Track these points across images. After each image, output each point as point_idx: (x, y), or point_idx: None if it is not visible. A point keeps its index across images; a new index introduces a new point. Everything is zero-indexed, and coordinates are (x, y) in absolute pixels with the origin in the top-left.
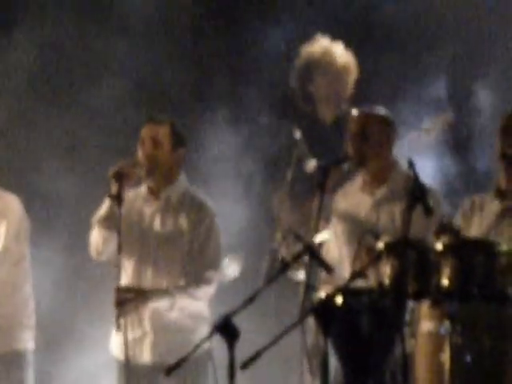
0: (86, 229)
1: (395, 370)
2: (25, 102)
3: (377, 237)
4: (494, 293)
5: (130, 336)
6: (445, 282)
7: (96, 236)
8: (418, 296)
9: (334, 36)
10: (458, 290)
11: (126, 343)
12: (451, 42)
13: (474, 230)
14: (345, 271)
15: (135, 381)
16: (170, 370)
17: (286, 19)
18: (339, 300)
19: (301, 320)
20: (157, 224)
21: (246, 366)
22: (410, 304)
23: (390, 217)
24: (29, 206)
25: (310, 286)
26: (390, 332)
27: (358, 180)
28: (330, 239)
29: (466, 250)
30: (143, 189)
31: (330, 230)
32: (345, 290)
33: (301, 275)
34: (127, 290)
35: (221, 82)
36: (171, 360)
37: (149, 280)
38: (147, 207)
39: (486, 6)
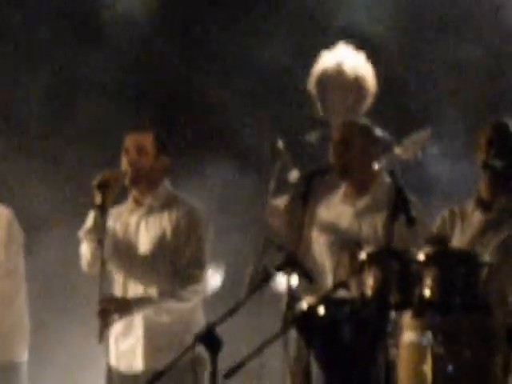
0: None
1: (378, 381)
2: None
3: (359, 247)
4: (476, 304)
5: (123, 345)
6: (427, 292)
7: (85, 249)
8: (401, 307)
9: None
10: (440, 300)
11: (107, 352)
12: None
13: (456, 240)
14: (327, 281)
15: None
16: (153, 380)
17: None
18: (321, 310)
19: (283, 330)
20: (142, 231)
21: (228, 376)
22: (393, 314)
23: (372, 227)
24: None
25: (292, 296)
26: (373, 342)
27: (341, 190)
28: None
29: (448, 261)
30: (128, 201)
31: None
32: (327, 301)
33: (283, 285)
34: (110, 300)
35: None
36: (162, 364)
37: (139, 289)
38: (132, 217)
39: None
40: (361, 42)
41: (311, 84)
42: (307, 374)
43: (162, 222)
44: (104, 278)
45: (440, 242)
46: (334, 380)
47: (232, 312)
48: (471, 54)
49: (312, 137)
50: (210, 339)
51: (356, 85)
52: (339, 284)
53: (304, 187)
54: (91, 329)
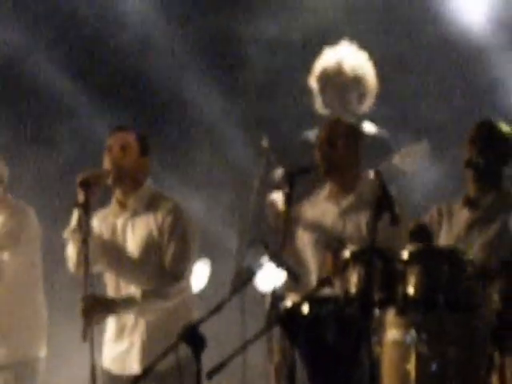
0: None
1: (362, 379)
2: None
3: (343, 245)
4: (460, 302)
5: (118, 348)
6: (411, 290)
7: (71, 250)
8: (384, 305)
9: None
10: (424, 298)
11: (92, 351)
12: None
13: (444, 238)
14: (312, 280)
15: None
16: (136, 381)
17: None
18: (305, 308)
19: (267, 329)
20: (129, 233)
21: (212, 375)
22: (376, 312)
23: (357, 226)
24: None
25: (277, 295)
26: (356, 341)
27: (325, 189)
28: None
29: (432, 259)
30: (112, 204)
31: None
32: (311, 299)
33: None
34: (93, 299)
35: None
36: (160, 367)
37: (132, 290)
38: (118, 219)
39: None
40: None
41: (312, 80)
42: (291, 372)
43: (148, 224)
44: (88, 277)
45: (422, 231)
46: (319, 378)
47: (216, 310)
48: None
49: (311, 135)
50: (193, 338)
51: (356, 84)
52: (323, 282)
53: (287, 186)
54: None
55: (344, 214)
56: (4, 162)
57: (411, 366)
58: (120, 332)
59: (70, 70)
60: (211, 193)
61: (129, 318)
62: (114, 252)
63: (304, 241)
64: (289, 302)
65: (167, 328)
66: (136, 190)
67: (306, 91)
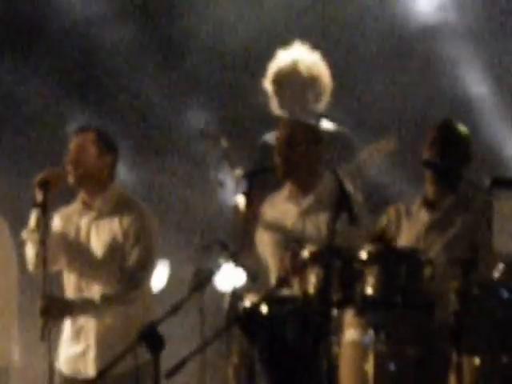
0: None
1: (320, 379)
2: None
3: (301, 245)
4: (418, 301)
5: (73, 350)
6: (369, 290)
7: (29, 249)
8: (343, 305)
9: None
10: (382, 298)
11: (49, 351)
12: None
13: (403, 239)
14: (271, 280)
15: None
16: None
17: None
18: (264, 309)
19: (226, 329)
20: (93, 235)
21: (170, 375)
22: (335, 313)
23: (316, 226)
24: None
25: (236, 295)
26: (315, 340)
27: (285, 189)
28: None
29: (390, 259)
30: (77, 203)
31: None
32: (270, 299)
33: (226, 284)
34: (52, 299)
35: None
36: (116, 370)
37: (93, 292)
38: (82, 219)
39: None
40: None
41: (267, 82)
42: (250, 372)
43: (113, 227)
44: (47, 277)
45: (382, 239)
46: (277, 377)
47: (174, 311)
48: None
49: (270, 137)
50: (152, 338)
51: (311, 84)
52: (282, 282)
53: (246, 186)
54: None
55: (304, 214)
56: None
57: (369, 366)
58: (76, 334)
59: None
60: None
61: (86, 320)
62: (76, 252)
63: (264, 241)
64: (248, 302)
65: (124, 332)
66: (101, 190)
67: (254, 93)
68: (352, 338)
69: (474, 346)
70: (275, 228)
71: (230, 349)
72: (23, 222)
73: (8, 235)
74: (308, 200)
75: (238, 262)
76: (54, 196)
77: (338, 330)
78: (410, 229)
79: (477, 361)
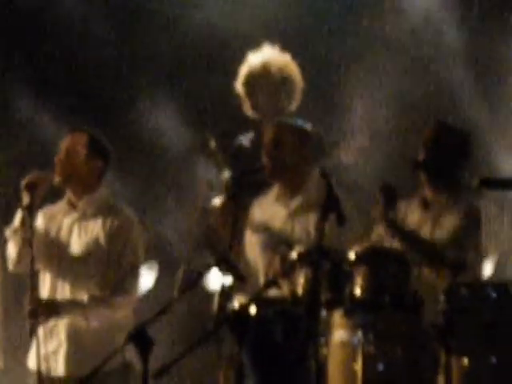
0: None
1: (309, 380)
2: None
3: (290, 247)
4: (406, 302)
5: (46, 348)
6: (357, 291)
7: (11, 247)
8: (331, 305)
9: None
10: (371, 299)
11: (38, 355)
12: None
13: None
14: (260, 281)
15: None
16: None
17: None
18: (253, 310)
19: (215, 330)
20: (75, 235)
21: (158, 375)
22: (323, 313)
23: (305, 227)
24: None
25: (224, 296)
26: (304, 341)
27: (273, 190)
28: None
29: (378, 260)
30: (62, 202)
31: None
32: (258, 300)
33: (215, 285)
34: (40, 301)
35: None
36: (86, 372)
37: (67, 292)
38: (66, 219)
39: None
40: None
41: (239, 85)
42: (239, 373)
43: (96, 229)
44: (34, 278)
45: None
46: (266, 378)
47: (163, 312)
48: None
49: (245, 139)
50: (140, 339)
51: (283, 84)
52: (270, 283)
53: (235, 188)
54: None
55: (292, 215)
56: None
57: (358, 367)
58: (49, 332)
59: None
60: (156, 194)
61: (59, 319)
62: (55, 250)
63: (252, 242)
64: (236, 304)
65: (97, 332)
66: (88, 192)
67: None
68: (341, 339)
69: (463, 346)
70: (264, 229)
71: (218, 350)
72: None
73: None
74: (296, 201)
75: (225, 264)
76: (41, 198)
77: (327, 330)
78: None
79: (465, 361)
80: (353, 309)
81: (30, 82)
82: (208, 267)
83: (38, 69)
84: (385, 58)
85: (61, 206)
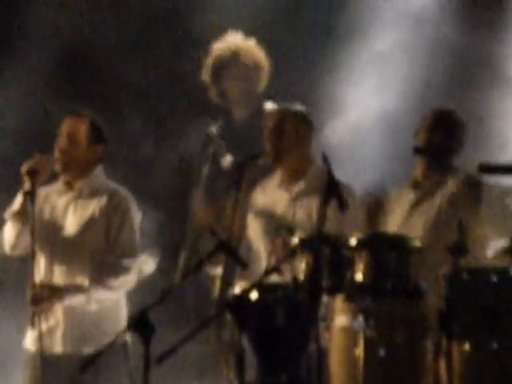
0: None
1: (310, 365)
2: None
3: (292, 232)
4: (407, 287)
5: (43, 327)
6: (358, 276)
7: (9, 230)
8: (333, 291)
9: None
10: (372, 284)
11: (40, 336)
12: None
13: (392, 220)
14: (262, 267)
15: (49, 372)
16: (84, 366)
17: None
18: (254, 295)
19: (216, 315)
20: (70, 214)
21: (161, 360)
22: (325, 299)
23: (307, 212)
24: None
25: (226, 282)
26: (305, 327)
27: (276, 176)
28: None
29: (379, 245)
30: (58, 183)
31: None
32: (260, 286)
33: (217, 270)
34: (42, 287)
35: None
36: (84, 350)
37: (62, 274)
38: (61, 199)
39: None
40: None
41: (206, 74)
42: (240, 358)
43: (91, 207)
44: (35, 265)
45: None
46: (267, 364)
47: (165, 297)
48: None
49: (213, 128)
50: (142, 324)
51: (254, 69)
52: (272, 269)
53: (237, 173)
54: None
55: (295, 200)
56: None
57: (359, 352)
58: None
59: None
60: (157, 179)
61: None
62: (50, 231)
63: (254, 227)
64: (238, 289)
65: (92, 313)
66: (84, 175)
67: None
68: (342, 324)
69: (464, 331)
70: (266, 214)
71: (220, 335)
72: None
73: None
74: (299, 186)
75: (227, 249)
76: (42, 183)
77: (328, 316)
78: (396, 211)
79: (467, 346)
80: (354, 294)
81: None
82: (209, 252)
83: None
84: (373, 39)
85: (56, 186)
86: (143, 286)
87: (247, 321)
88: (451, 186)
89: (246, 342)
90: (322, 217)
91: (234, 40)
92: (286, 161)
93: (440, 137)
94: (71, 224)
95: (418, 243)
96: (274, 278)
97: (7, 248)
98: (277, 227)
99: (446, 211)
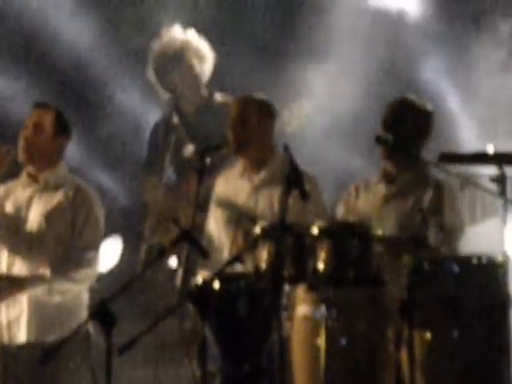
0: None
1: (272, 354)
2: None
3: (254, 222)
4: (369, 277)
5: (4, 317)
6: (320, 266)
7: None
8: (295, 280)
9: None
10: (333, 274)
11: (0, 326)
12: None
13: (360, 210)
14: (224, 256)
15: (9, 363)
16: (45, 357)
17: None
18: (216, 285)
19: (178, 305)
20: (34, 205)
21: (122, 351)
22: (287, 288)
23: (269, 202)
24: None
25: (188, 271)
26: (267, 316)
27: (238, 165)
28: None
29: (340, 234)
30: (21, 176)
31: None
32: (222, 275)
33: (176, 261)
34: (2, 278)
35: None
36: (46, 339)
37: (24, 265)
38: (25, 191)
39: None
40: None
41: (150, 72)
42: (203, 348)
43: (56, 199)
44: None
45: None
46: (229, 354)
47: (126, 287)
48: None
49: (176, 118)
50: (104, 315)
51: (196, 60)
52: (234, 258)
53: (198, 163)
54: None
55: (256, 190)
56: None
57: (321, 341)
58: (10, 301)
59: None
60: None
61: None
62: (13, 224)
63: (216, 217)
64: (200, 279)
65: (55, 303)
66: (50, 167)
67: None
68: (304, 314)
69: (426, 320)
70: (228, 204)
71: (182, 325)
72: None
73: None
74: (261, 176)
75: (189, 239)
76: (3, 172)
77: (290, 305)
78: (366, 202)
79: (428, 335)
80: (316, 283)
81: None
82: (171, 242)
83: None
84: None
85: (19, 180)
86: (105, 276)
87: (209, 311)
88: (423, 188)
89: (208, 332)
90: (284, 206)
91: (173, 33)
92: (248, 150)
93: (398, 126)
94: (35, 215)
95: (379, 231)
96: (236, 268)
97: None
98: (239, 217)
99: (415, 212)
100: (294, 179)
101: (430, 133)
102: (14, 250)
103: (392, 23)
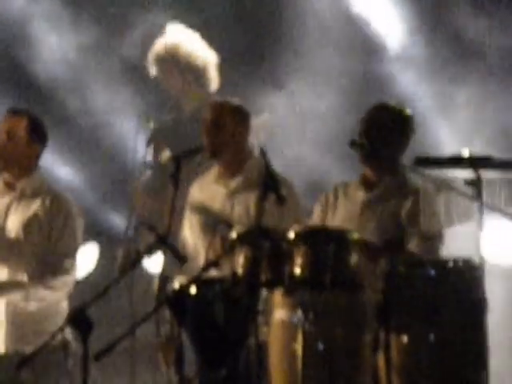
0: None
1: (249, 360)
2: None
3: (230, 227)
4: (346, 281)
5: None
6: (297, 270)
7: None
8: (271, 285)
9: None
10: (310, 278)
11: None
12: None
13: (339, 216)
14: (200, 262)
15: None
16: (21, 365)
17: None
18: (193, 290)
19: (155, 311)
20: (11, 214)
21: (99, 357)
22: (263, 293)
23: (245, 207)
24: None
25: (164, 277)
26: (244, 321)
27: (214, 170)
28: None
29: (317, 239)
30: None
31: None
32: (198, 280)
33: (155, 266)
34: None
35: None
36: (26, 349)
37: (3, 274)
38: (2, 199)
39: None
40: None
41: (152, 70)
42: (179, 353)
43: (34, 207)
44: None
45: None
46: (206, 359)
47: (103, 293)
48: None
49: (164, 123)
50: (80, 321)
51: (193, 63)
52: (210, 264)
53: (174, 168)
54: None
55: (232, 195)
56: None
57: (298, 346)
58: None
59: None
60: (96, 175)
61: None
62: None
63: (192, 223)
64: (176, 284)
65: (35, 312)
66: (26, 174)
67: None
68: (281, 318)
69: (402, 324)
70: (203, 210)
71: (159, 330)
72: None
73: None
74: (236, 181)
75: (165, 244)
76: None
77: (267, 310)
78: (345, 207)
79: (405, 339)
80: (293, 288)
81: None
82: (148, 248)
83: None
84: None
85: None
86: (82, 282)
87: (186, 316)
88: (403, 195)
89: (185, 337)
90: (261, 211)
91: (171, 36)
92: (223, 155)
93: (374, 131)
94: (13, 224)
95: (356, 236)
96: (213, 273)
97: None
98: (215, 222)
99: (395, 219)
100: (270, 183)
101: (409, 137)
102: None
103: (369, 31)
